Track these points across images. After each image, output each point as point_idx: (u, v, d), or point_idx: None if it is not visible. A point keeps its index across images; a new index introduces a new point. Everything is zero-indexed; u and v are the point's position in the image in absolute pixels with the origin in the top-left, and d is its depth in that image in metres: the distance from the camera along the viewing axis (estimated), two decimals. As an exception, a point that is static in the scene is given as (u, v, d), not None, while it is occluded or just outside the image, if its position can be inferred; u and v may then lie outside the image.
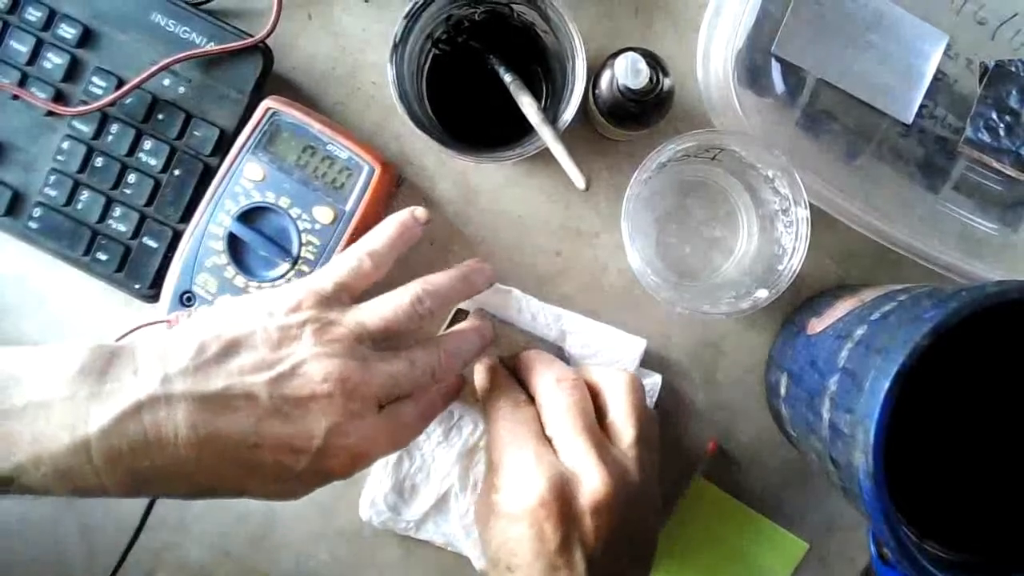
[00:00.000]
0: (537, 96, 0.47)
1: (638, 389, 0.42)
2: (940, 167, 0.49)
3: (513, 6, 0.46)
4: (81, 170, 0.47)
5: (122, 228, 0.48)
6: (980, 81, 0.48)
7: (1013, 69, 0.48)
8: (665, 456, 0.52)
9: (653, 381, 0.50)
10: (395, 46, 0.43)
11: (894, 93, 0.48)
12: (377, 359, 0.37)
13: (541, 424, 0.40)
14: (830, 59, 0.48)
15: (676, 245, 0.51)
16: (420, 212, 0.44)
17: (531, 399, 0.42)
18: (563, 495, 0.36)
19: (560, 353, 0.50)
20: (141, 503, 0.47)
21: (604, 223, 0.51)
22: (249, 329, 0.35)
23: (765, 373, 0.51)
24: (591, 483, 0.37)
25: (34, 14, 0.47)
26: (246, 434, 0.33)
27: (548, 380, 0.41)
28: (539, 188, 0.51)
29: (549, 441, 0.39)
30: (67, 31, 0.47)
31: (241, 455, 0.33)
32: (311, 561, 0.52)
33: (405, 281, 0.50)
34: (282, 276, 0.46)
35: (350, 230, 0.46)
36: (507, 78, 0.46)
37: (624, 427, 0.40)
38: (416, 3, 0.42)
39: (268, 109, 0.45)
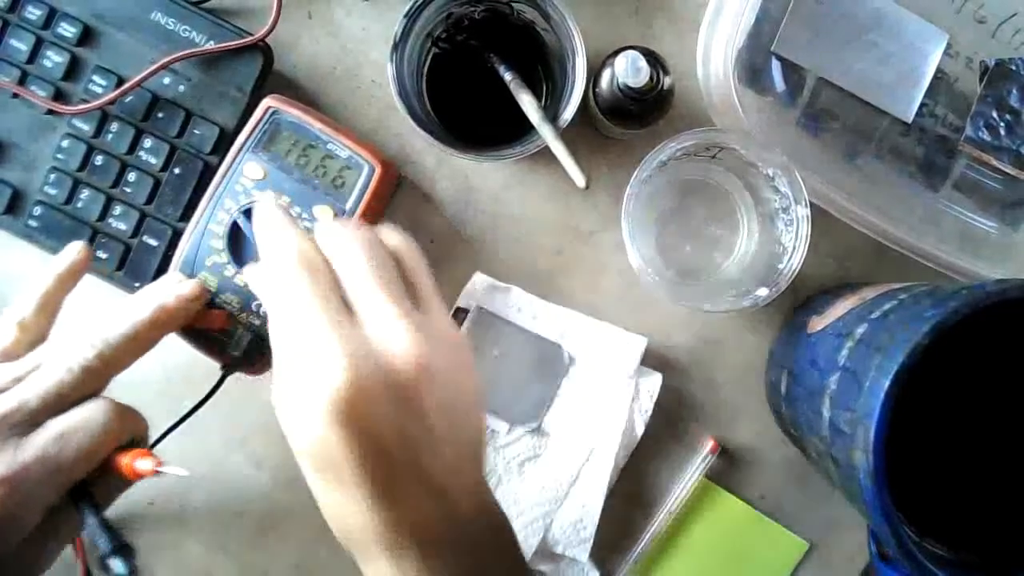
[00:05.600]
0: (537, 95, 0.47)
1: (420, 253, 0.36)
2: (940, 166, 0.49)
3: (513, 4, 0.46)
4: (81, 168, 0.47)
5: (122, 227, 0.48)
6: (980, 80, 0.48)
7: (1013, 68, 0.48)
8: (665, 455, 0.52)
9: (653, 380, 0.50)
10: (395, 45, 0.43)
11: (894, 92, 0.48)
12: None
13: (340, 290, 0.32)
14: (830, 58, 0.48)
15: (676, 244, 0.51)
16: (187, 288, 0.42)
17: (326, 260, 0.34)
18: (374, 376, 0.29)
19: (560, 352, 0.50)
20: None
21: (604, 222, 0.51)
22: None
23: (765, 372, 0.51)
24: (408, 347, 0.30)
25: (34, 12, 0.47)
26: None
27: (344, 235, 0.33)
28: (539, 187, 0.51)
29: (349, 310, 0.31)
30: (67, 30, 0.47)
31: None
32: (311, 560, 0.52)
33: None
34: (282, 275, 0.45)
35: (350, 229, 0.46)
36: (507, 76, 0.46)
37: (424, 288, 0.34)
38: (416, 2, 0.42)
39: (268, 108, 0.45)
